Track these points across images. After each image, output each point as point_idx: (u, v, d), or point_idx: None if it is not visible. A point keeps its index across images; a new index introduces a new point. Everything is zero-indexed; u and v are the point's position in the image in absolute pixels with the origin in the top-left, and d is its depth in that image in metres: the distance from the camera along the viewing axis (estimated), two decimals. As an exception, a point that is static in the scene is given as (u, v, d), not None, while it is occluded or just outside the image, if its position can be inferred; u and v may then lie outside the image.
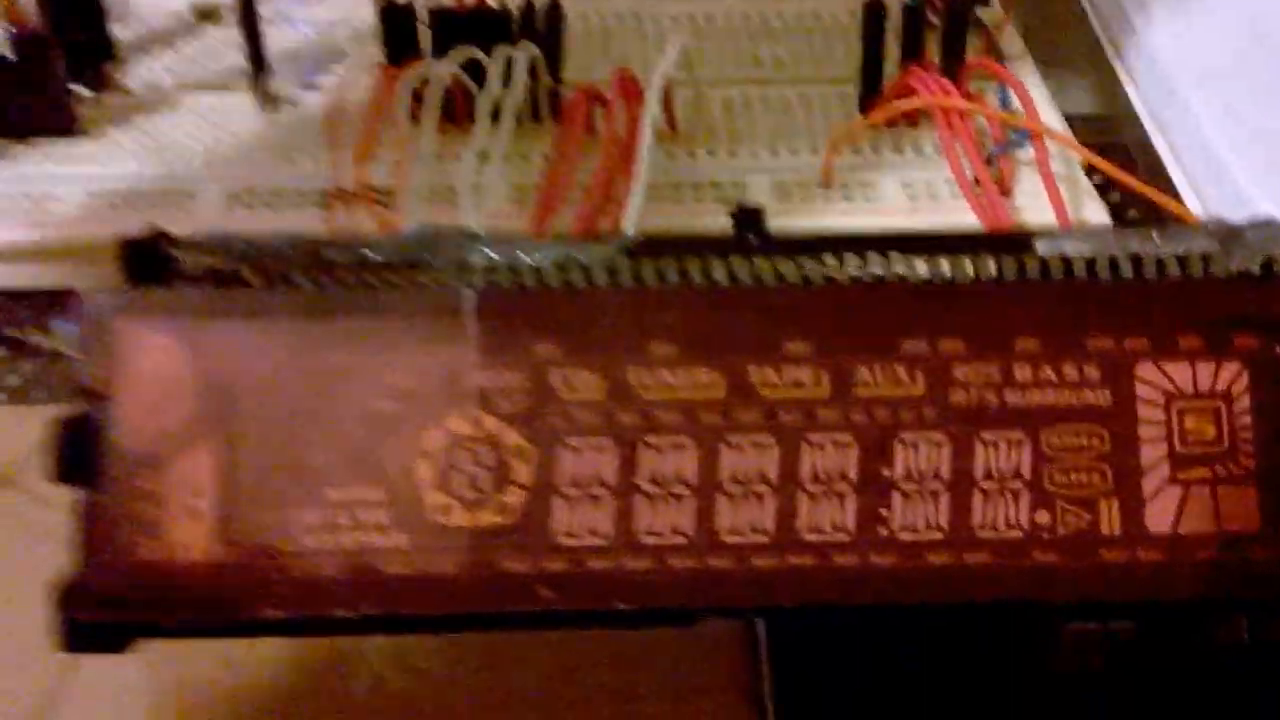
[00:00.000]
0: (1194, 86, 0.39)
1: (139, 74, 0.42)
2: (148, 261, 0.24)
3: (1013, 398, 0.23)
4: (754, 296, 0.23)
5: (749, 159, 0.37)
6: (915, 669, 0.28)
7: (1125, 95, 0.43)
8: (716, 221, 0.34)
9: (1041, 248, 0.23)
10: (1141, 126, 0.42)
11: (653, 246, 0.24)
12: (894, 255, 0.23)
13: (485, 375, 0.23)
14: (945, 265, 0.23)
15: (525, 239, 0.23)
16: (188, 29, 0.45)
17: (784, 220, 0.34)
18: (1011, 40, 0.42)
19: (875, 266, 0.23)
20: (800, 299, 0.23)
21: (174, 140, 0.39)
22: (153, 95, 0.41)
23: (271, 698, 0.28)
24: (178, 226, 0.34)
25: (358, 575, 0.23)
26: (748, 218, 0.24)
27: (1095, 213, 0.34)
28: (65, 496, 0.22)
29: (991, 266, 0.23)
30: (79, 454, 0.22)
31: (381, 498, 0.23)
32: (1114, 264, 0.23)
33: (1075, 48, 0.47)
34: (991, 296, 0.23)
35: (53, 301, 0.35)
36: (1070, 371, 0.23)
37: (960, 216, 0.34)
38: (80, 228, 0.35)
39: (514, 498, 0.23)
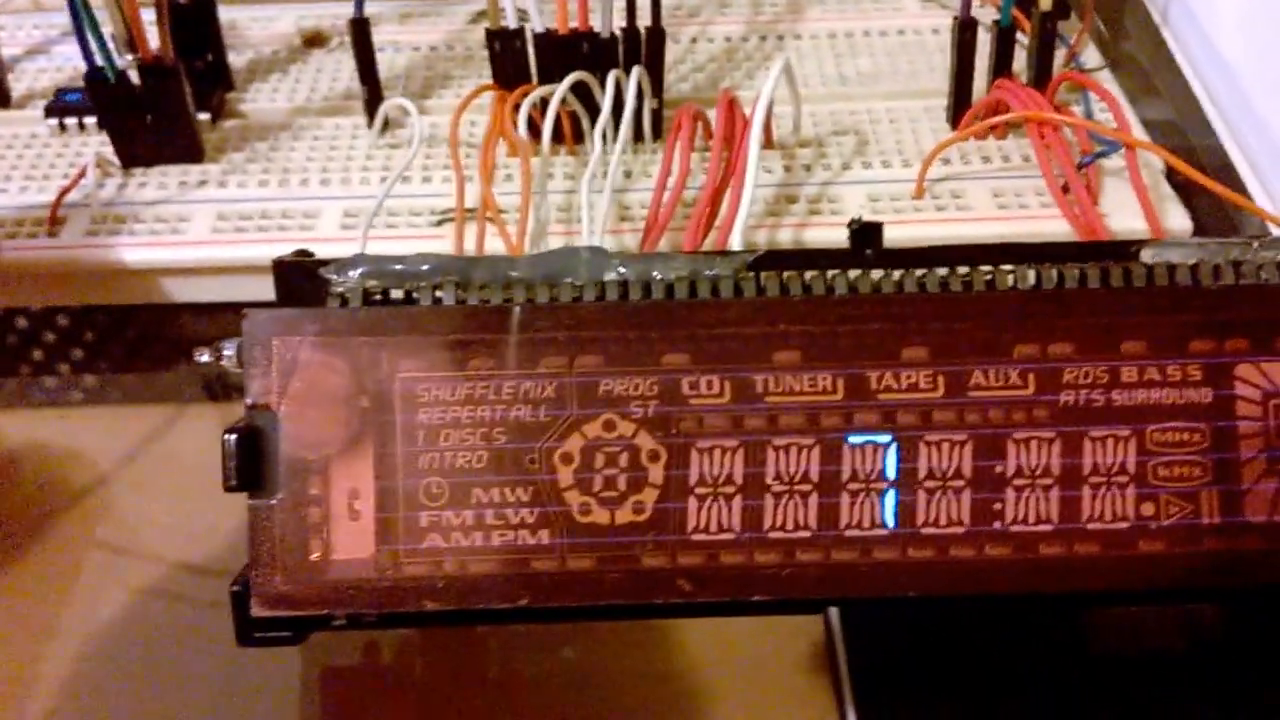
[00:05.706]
0: (1268, 93, 0.40)
1: (253, 99, 0.44)
2: (302, 282, 0.26)
3: (1119, 397, 0.25)
4: (873, 305, 0.25)
5: (841, 171, 0.38)
6: (990, 650, 0.30)
7: (1196, 101, 0.44)
8: (818, 235, 0.36)
9: (1147, 255, 0.25)
10: (1214, 132, 0.43)
11: (775, 260, 0.25)
12: (1005, 266, 0.25)
13: (620, 383, 0.25)
14: (1055, 273, 0.25)
15: (655, 256, 0.25)
16: (294, 54, 0.47)
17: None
18: (1089, 50, 0.43)
19: (987, 276, 0.25)
20: (917, 308, 0.25)
21: (293, 163, 0.40)
22: (268, 120, 0.43)
23: (408, 677, 0.31)
24: (304, 246, 0.37)
25: (508, 571, 0.25)
26: (865, 232, 0.25)
27: (1178, 217, 0.36)
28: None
29: (1099, 274, 0.25)
30: (250, 464, 0.24)
31: (527, 499, 0.25)
32: (1216, 271, 0.25)
33: (1143, 53, 0.48)
34: (1100, 302, 0.25)
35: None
36: (1174, 372, 0.25)
37: (1050, 224, 0.35)
38: (215, 250, 0.37)
39: (649, 497, 0.25)
